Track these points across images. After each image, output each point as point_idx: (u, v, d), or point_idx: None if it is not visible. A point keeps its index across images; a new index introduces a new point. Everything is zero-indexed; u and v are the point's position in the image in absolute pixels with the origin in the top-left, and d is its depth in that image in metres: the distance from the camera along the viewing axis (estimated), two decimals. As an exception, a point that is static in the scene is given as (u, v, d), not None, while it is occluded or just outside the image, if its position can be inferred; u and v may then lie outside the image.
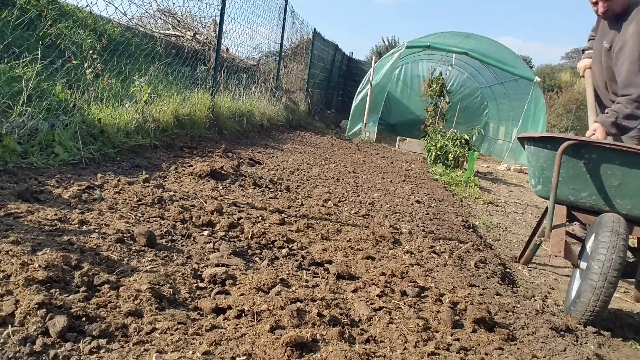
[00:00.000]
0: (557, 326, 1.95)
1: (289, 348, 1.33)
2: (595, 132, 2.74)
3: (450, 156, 7.00)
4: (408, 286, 1.99)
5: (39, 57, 3.07)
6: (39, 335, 1.20)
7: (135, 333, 1.31)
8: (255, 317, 1.49)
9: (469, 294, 2.03)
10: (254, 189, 3.32)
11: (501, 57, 9.07)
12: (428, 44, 9.15)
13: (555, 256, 2.30)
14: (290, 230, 2.55)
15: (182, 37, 7.43)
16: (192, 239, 2.13)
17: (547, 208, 2.46)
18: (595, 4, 2.90)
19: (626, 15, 2.80)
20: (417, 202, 4.00)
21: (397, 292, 1.92)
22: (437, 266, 2.42)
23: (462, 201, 4.67)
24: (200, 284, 1.69)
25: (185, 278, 1.70)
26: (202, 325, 1.42)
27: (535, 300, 2.31)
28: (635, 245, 2.59)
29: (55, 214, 1.95)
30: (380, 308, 1.77)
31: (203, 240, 2.12)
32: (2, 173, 2.40)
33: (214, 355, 1.27)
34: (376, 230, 2.82)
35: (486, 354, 1.59)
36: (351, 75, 17.07)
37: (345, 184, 4.19)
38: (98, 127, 3.32)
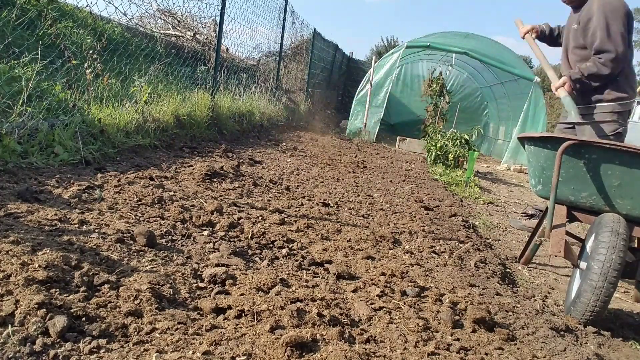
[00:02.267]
0: (557, 326, 1.95)
1: (289, 348, 1.33)
2: (565, 84, 3.27)
3: (450, 156, 7.00)
4: (408, 286, 1.99)
5: (38, 57, 3.07)
6: (39, 335, 1.20)
7: (135, 333, 1.31)
8: (255, 317, 1.49)
9: (469, 294, 2.03)
10: (254, 188, 3.32)
11: (501, 57, 9.07)
12: (428, 44, 9.15)
13: (555, 256, 2.31)
14: (290, 230, 2.55)
15: (182, 37, 7.44)
16: (192, 239, 2.13)
17: (547, 208, 2.46)
18: None
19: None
20: (417, 201, 3.99)
21: (397, 292, 1.92)
22: (437, 266, 2.42)
23: (462, 201, 4.67)
24: (200, 284, 1.69)
25: (185, 278, 1.70)
26: (202, 325, 1.42)
27: (535, 300, 2.31)
28: (636, 245, 2.59)
29: (55, 214, 1.96)
30: (380, 308, 1.77)
31: (203, 240, 2.12)
32: (2, 173, 2.40)
33: (214, 355, 1.27)
34: (376, 230, 2.82)
35: (486, 354, 1.59)
36: (351, 75, 17.06)
37: (345, 184, 4.19)
38: (98, 127, 3.32)
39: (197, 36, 7.55)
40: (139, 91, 3.99)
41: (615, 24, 3.07)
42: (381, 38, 37.11)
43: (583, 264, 2.19)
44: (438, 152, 7.15)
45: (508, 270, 2.84)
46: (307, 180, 4.05)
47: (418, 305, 1.86)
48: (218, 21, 5.78)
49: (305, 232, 2.58)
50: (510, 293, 2.33)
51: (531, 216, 4.09)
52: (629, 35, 3.13)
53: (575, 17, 3.31)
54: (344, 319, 1.60)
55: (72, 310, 1.31)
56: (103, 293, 1.46)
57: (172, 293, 1.55)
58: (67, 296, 1.39)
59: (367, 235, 2.65)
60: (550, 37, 3.64)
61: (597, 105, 3.25)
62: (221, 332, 1.39)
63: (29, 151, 2.71)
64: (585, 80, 3.21)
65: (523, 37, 3.62)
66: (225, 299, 1.59)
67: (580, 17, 3.23)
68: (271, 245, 2.28)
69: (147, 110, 4.00)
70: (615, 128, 3.18)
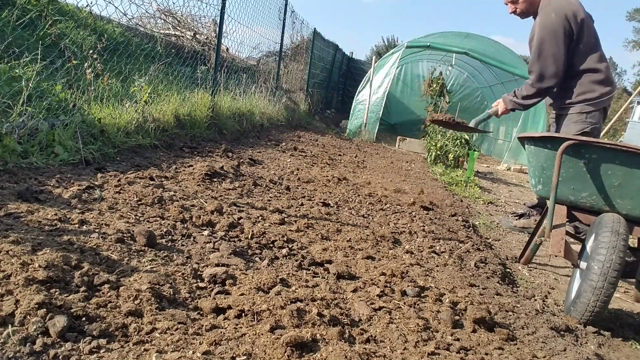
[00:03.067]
0: (557, 326, 1.95)
1: (289, 348, 1.33)
2: (498, 104, 3.66)
3: (450, 156, 7.00)
4: (408, 286, 1.99)
5: (39, 57, 3.07)
6: (39, 335, 1.20)
7: (135, 333, 1.31)
8: (255, 317, 1.49)
9: (469, 293, 2.03)
10: (254, 188, 3.32)
11: (501, 57, 9.07)
12: (428, 44, 9.15)
13: (555, 256, 2.31)
14: (290, 230, 2.55)
15: (182, 37, 7.44)
16: (192, 238, 2.13)
17: (547, 208, 2.46)
18: (507, 4, 3.49)
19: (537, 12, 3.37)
20: (417, 201, 3.99)
21: (397, 292, 1.92)
22: (437, 266, 2.42)
23: (462, 201, 4.67)
24: (200, 284, 1.69)
25: (185, 278, 1.70)
26: (202, 325, 1.42)
27: (535, 300, 2.31)
28: (636, 245, 2.59)
29: (55, 214, 1.95)
30: (380, 308, 1.77)
31: (203, 240, 2.12)
32: (2, 173, 2.40)
33: (214, 355, 1.27)
34: (376, 230, 2.82)
35: (486, 354, 1.59)
36: (351, 75, 17.07)
37: (345, 184, 4.19)
38: (98, 127, 3.32)
39: (197, 36, 7.55)
40: (139, 91, 3.99)
41: (548, 45, 3.21)
42: (381, 38, 37.17)
43: (583, 264, 2.19)
44: (438, 152, 7.15)
45: (508, 270, 2.84)
46: (307, 180, 4.05)
47: (418, 305, 1.86)
48: (218, 21, 5.78)
49: (305, 232, 2.58)
50: (510, 293, 2.33)
51: (521, 215, 4.09)
52: (578, 39, 3.21)
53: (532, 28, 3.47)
54: (344, 319, 1.60)
55: (72, 310, 1.31)
56: (103, 293, 1.46)
57: (172, 293, 1.55)
58: (67, 296, 1.39)
59: (367, 235, 2.64)
60: None
61: (569, 107, 3.38)
62: (221, 332, 1.39)
63: (29, 151, 2.71)
64: (519, 102, 3.50)
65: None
66: (225, 299, 1.59)
67: (531, 31, 3.42)
68: (271, 245, 2.28)
69: (147, 110, 4.00)
70: (582, 127, 3.28)
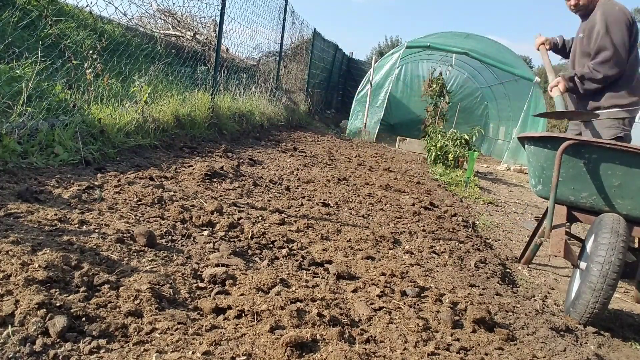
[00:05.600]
0: (557, 326, 1.95)
1: (289, 348, 1.33)
2: (558, 83, 3.38)
3: (450, 156, 7.00)
4: (408, 286, 1.99)
5: (39, 57, 3.06)
6: (39, 335, 1.20)
7: (135, 333, 1.31)
8: (255, 317, 1.50)
9: (469, 294, 2.03)
10: (254, 188, 3.32)
11: (501, 57, 9.07)
12: (428, 44, 9.15)
13: (555, 256, 2.31)
14: (290, 230, 2.55)
15: (182, 37, 7.43)
16: (192, 239, 2.13)
17: (547, 208, 2.46)
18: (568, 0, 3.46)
19: (594, 9, 3.32)
20: (417, 202, 3.99)
21: (397, 292, 1.92)
22: (437, 266, 2.42)
23: (462, 201, 4.67)
24: (200, 284, 1.69)
25: (185, 278, 1.70)
26: (202, 325, 1.42)
27: (535, 300, 2.31)
28: (636, 245, 2.59)
29: (55, 214, 1.96)
30: (380, 308, 1.77)
31: (203, 240, 2.12)
32: (2, 173, 2.40)
33: (214, 355, 1.27)
34: (376, 230, 2.82)
35: (486, 354, 1.59)
36: (351, 75, 17.06)
37: (345, 184, 4.19)
38: (98, 127, 3.32)
39: (197, 36, 7.54)
40: (139, 91, 3.99)
41: (616, 31, 3.13)
42: (385, 37, 37.22)
43: (583, 265, 2.19)
44: (438, 152, 7.14)
45: (508, 270, 2.84)
46: (307, 180, 4.05)
47: (418, 305, 1.86)
48: (218, 21, 5.78)
49: (305, 232, 2.58)
50: (510, 293, 2.33)
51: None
52: (634, 43, 3.17)
53: (582, 26, 3.39)
54: (344, 319, 1.60)
55: (72, 310, 1.31)
56: (103, 293, 1.46)
57: (172, 293, 1.55)
58: (67, 296, 1.39)
59: (367, 235, 2.64)
60: (563, 49, 3.70)
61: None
62: (221, 332, 1.39)
63: (29, 151, 2.71)
64: (579, 81, 3.29)
65: (537, 49, 3.68)
66: (225, 299, 1.59)
67: (586, 26, 3.32)
68: (271, 245, 2.28)
69: (147, 111, 4.00)
70: (614, 133, 3.21)
